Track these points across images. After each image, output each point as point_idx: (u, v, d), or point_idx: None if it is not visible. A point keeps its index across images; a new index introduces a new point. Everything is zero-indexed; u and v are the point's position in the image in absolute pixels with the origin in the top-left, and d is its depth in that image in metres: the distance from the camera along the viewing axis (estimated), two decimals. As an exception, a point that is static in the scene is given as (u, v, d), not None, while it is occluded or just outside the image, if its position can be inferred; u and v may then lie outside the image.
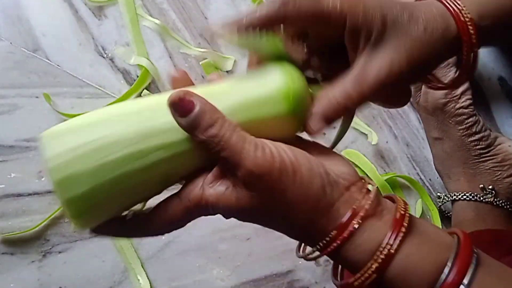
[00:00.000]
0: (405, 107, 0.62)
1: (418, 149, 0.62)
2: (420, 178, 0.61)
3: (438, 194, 0.59)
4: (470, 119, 0.54)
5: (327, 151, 0.31)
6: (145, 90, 0.53)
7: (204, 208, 0.28)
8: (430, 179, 0.62)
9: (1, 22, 0.52)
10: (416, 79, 0.33)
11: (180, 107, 0.26)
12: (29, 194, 0.48)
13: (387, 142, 0.61)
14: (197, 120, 0.26)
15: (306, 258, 0.29)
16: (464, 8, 0.30)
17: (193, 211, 0.29)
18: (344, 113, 0.32)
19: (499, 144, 0.55)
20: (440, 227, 0.59)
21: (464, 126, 0.54)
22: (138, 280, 0.48)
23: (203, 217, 0.31)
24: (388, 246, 0.26)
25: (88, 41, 0.54)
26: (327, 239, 0.27)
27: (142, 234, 0.31)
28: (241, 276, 0.52)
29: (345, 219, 0.27)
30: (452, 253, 0.26)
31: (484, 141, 0.54)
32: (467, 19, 0.30)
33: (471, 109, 0.54)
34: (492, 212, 0.53)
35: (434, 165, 0.60)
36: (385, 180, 0.58)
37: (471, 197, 0.53)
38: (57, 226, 0.48)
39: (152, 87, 0.54)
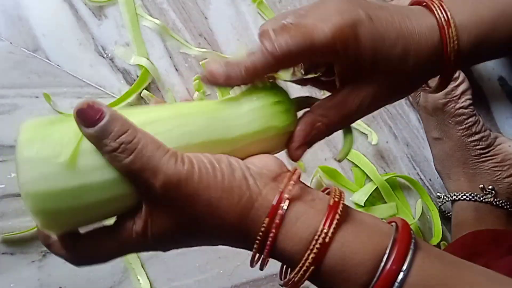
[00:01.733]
0: (405, 107, 0.62)
1: (418, 149, 0.62)
2: (420, 178, 0.61)
3: (438, 194, 0.59)
4: (470, 119, 0.54)
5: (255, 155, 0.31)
6: (144, 91, 0.53)
7: (135, 241, 0.27)
8: (430, 179, 0.62)
9: (1, 22, 0.52)
10: (399, 99, 0.35)
11: (88, 116, 0.25)
12: (29, 194, 0.48)
13: (387, 142, 0.61)
14: (107, 127, 0.25)
15: (252, 265, 0.28)
16: (455, 35, 0.30)
17: (124, 244, 0.27)
18: (323, 135, 0.32)
19: (499, 144, 0.55)
20: (440, 227, 0.59)
21: (464, 126, 0.54)
22: (138, 280, 0.48)
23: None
24: (323, 234, 0.25)
25: (88, 41, 0.54)
26: (262, 230, 0.26)
27: (68, 259, 0.28)
28: (241, 276, 0.52)
29: (274, 203, 0.26)
30: (390, 240, 0.26)
31: (484, 141, 0.54)
32: (455, 48, 0.30)
33: (471, 109, 0.54)
34: (492, 212, 0.53)
35: (434, 165, 0.60)
36: (385, 180, 0.58)
37: (471, 197, 0.53)
38: (57, 226, 0.48)
39: (152, 87, 0.54)
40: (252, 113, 0.31)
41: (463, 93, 0.54)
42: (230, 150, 0.30)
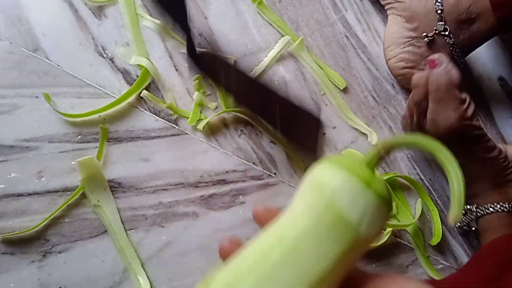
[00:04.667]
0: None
1: (418, 149, 0.62)
2: (420, 178, 0.61)
3: (468, 207, 0.54)
4: (486, 137, 0.51)
5: (391, 281, 0.26)
6: (144, 91, 0.53)
7: None
8: (430, 179, 0.62)
9: (1, 22, 0.52)
10: None
11: None
12: (29, 194, 0.48)
13: (387, 142, 0.61)
14: None
15: None
16: None
17: None
18: None
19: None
20: (440, 227, 0.59)
21: (483, 145, 0.52)
22: (138, 280, 0.48)
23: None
24: None
25: (88, 41, 0.54)
26: None
27: None
28: (241, 276, 0.52)
29: None
30: None
31: (502, 154, 0.52)
32: None
33: (481, 128, 0.52)
34: None
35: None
36: (385, 180, 0.58)
37: (508, 206, 0.51)
38: (57, 226, 0.48)
39: (152, 87, 0.54)
40: (338, 226, 0.26)
41: (473, 113, 0.51)
42: (335, 275, 0.26)
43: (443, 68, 0.48)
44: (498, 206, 0.51)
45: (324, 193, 0.26)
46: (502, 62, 0.66)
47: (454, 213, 0.24)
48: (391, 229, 0.56)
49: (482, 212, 0.52)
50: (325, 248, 0.25)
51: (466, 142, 0.51)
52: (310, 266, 0.25)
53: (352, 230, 0.25)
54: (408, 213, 0.58)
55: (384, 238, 0.55)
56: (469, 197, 0.55)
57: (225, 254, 0.31)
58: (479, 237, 0.55)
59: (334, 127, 0.58)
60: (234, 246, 0.31)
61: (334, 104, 0.60)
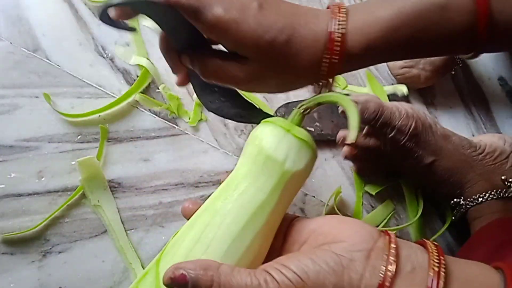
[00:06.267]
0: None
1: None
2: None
3: (456, 200, 0.54)
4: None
5: (336, 222, 0.31)
6: (138, 94, 0.53)
7: None
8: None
9: (1, 22, 0.52)
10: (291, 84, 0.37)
11: (176, 284, 0.27)
12: (29, 194, 0.48)
13: (387, 142, 0.61)
14: (196, 285, 0.27)
15: None
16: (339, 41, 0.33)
17: None
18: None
19: (480, 141, 0.53)
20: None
21: (456, 140, 0.52)
22: (138, 280, 0.48)
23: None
24: None
25: (88, 41, 0.54)
26: None
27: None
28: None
29: None
30: None
31: (471, 148, 0.52)
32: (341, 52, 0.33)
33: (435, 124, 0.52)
34: None
35: (441, 189, 0.54)
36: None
37: (497, 194, 0.50)
38: (57, 226, 0.48)
39: (152, 87, 0.54)
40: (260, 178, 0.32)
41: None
42: (274, 206, 0.32)
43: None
44: (487, 195, 0.50)
45: (256, 143, 0.33)
46: (502, 62, 0.66)
47: (352, 136, 0.31)
48: (394, 231, 0.55)
49: (472, 204, 0.51)
50: (261, 183, 0.32)
51: (440, 138, 0.52)
52: (250, 197, 0.31)
53: (280, 166, 0.32)
54: (414, 209, 0.58)
55: None
56: (456, 190, 0.53)
57: (187, 214, 0.36)
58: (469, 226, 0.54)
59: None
60: (195, 207, 0.35)
61: (334, 104, 0.60)
